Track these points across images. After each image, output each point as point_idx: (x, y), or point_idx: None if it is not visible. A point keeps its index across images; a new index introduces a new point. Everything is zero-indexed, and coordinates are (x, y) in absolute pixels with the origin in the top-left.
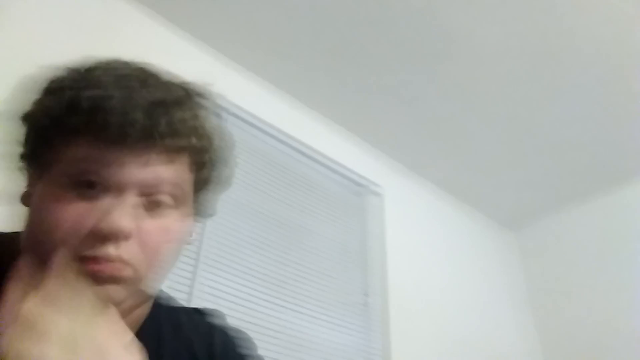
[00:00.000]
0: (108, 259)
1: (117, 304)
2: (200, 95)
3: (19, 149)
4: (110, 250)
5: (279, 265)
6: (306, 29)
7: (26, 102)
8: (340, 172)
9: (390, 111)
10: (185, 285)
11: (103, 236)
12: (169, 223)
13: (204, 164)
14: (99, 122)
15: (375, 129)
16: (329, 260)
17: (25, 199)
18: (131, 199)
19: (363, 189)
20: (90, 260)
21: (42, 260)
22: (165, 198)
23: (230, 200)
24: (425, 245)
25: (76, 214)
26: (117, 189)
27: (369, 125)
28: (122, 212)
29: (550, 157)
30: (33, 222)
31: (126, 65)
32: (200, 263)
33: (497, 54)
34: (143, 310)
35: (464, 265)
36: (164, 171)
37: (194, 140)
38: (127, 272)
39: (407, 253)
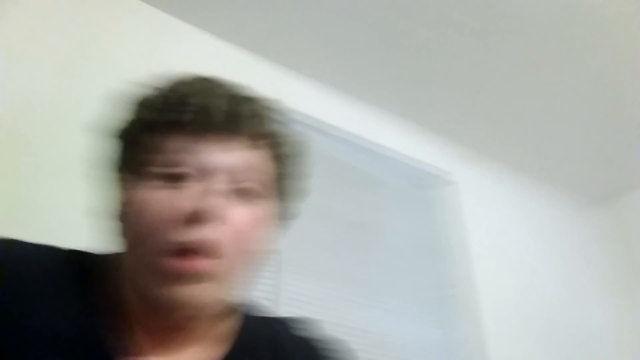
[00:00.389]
0: (203, 245)
1: (204, 305)
2: (271, 100)
3: (112, 162)
4: (207, 232)
5: (356, 265)
6: (355, 24)
7: (117, 118)
8: (408, 165)
9: (453, 97)
10: (270, 293)
11: (196, 217)
12: (259, 212)
13: (282, 156)
14: (186, 114)
15: (440, 117)
16: (406, 255)
17: (119, 210)
18: (221, 185)
19: (434, 180)
20: (182, 256)
21: (139, 255)
22: (252, 185)
23: (304, 204)
24: (508, 230)
25: (170, 202)
26: (206, 176)
27: (432, 114)
28: (215, 194)
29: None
30: (129, 221)
31: (206, 76)
32: (283, 270)
33: (557, 25)
34: (234, 321)
35: (551, 246)
36: (249, 157)
37: (273, 128)
38: (218, 267)
39: (489, 240)
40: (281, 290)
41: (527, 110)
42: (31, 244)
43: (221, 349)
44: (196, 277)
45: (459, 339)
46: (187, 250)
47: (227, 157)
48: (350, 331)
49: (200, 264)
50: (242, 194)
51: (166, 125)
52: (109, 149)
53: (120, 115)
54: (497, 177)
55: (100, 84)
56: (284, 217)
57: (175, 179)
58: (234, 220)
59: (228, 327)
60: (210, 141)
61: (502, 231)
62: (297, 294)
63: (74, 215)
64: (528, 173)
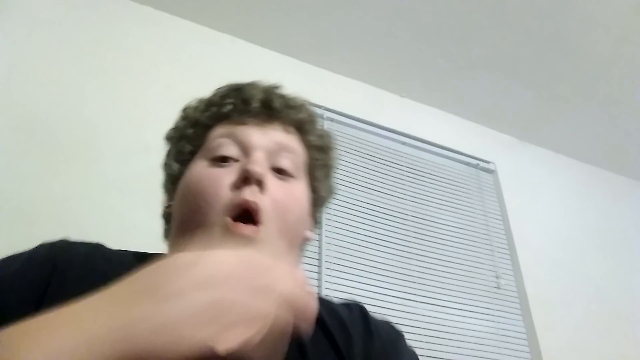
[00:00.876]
0: (249, 206)
1: None
2: (301, 98)
3: (166, 162)
4: (248, 195)
5: (403, 258)
6: (387, 18)
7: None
8: (448, 155)
9: (487, 83)
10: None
11: (241, 180)
12: (293, 189)
13: (312, 145)
14: (229, 107)
15: (477, 105)
16: (452, 246)
17: (166, 215)
18: (260, 154)
19: (475, 169)
20: (234, 220)
21: (197, 223)
22: (286, 163)
23: (345, 200)
24: (553, 215)
25: (217, 178)
26: (246, 153)
27: (470, 102)
28: (255, 161)
29: None
30: (181, 200)
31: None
32: (324, 268)
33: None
34: None
35: (597, 229)
36: (283, 138)
37: (303, 117)
38: (262, 235)
39: (533, 226)
40: (322, 289)
41: (567, 92)
42: (114, 249)
43: None
44: (242, 239)
45: (509, 329)
46: (235, 213)
47: (264, 137)
48: (397, 326)
49: (246, 227)
50: (279, 171)
51: (210, 118)
52: (165, 156)
53: (174, 122)
54: (539, 161)
55: (156, 102)
56: (316, 204)
57: (221, 160)
58: (272, 192)
59: None
60: (248, 125)
61: (547, 217)
62: (340, 292)
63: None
64: (570, 156)
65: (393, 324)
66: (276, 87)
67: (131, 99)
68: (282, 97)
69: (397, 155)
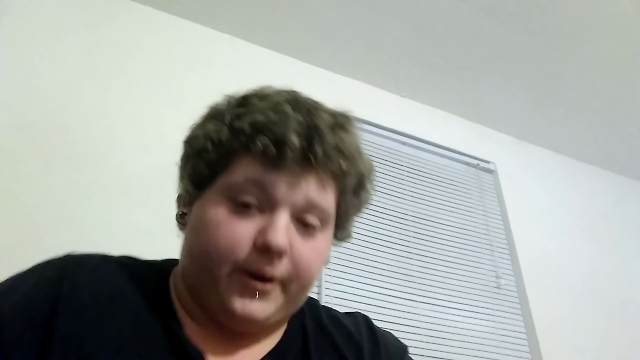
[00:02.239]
0: (264, 276)
1: (262, 319)
2: (345, 119)
3: (180, 170)
4: (266, 268)
5: (403, 258)
6: (389, 18)
7: (190, 128)
8: (448, 155)
9: (487, 83)
10: (313, 293)
11: (260, 250)
12: (318, 245)
13: (348, 190)
14: (259, 145)
15: (477, 105)
16: (453, 246)
17: (182, 218)
18: (284, 218)
19: (475, 169)
20: (245, 275)
21: (205, 269)
22: (313, 220)
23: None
24: (552, 215)
25: (235, 232)
26: (270, 207)
27: (470, 102)
28: (278, 230)
29: None
30: (195, 235)
31: (276, 91)
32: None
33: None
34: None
35: (597, 227)
36: (316, 195)
37: (344, 166)
38: (275, 291)
39: (533, 226)
40: (323, 288)
41: (567, 92)
42: (121, 259)
43: (276, 333)
44: (260, 293)
45: (509, 329)
46: (251, 274)
47: (295, 193)
48: (398, 327)
49: (262, 285)
50: (304, 226)
51: (235, 149)
52: (181, 160)
53: (193, 126)
54: (539, 161)
55: (158, 103)
56: (340, 238)
57: (240, 205)
58: (294, 252)
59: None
60: (280, 175)
61: (547, 217)
62: (341, 292)
63: (128, 231)
64: (570, 156)
65: (396, 337)
66: (317, 122)
67: (131, 99)
68: (324, 137)
69: (397, 155)
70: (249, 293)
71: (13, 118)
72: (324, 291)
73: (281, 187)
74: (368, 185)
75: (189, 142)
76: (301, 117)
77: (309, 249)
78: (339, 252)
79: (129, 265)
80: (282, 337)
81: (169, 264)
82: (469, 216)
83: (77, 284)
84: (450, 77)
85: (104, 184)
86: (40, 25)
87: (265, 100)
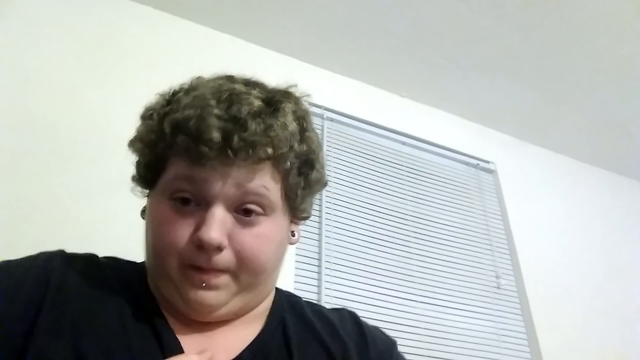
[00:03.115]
0: (202, 270)
1: (215, 307)
2: (279, 98)
3: (134, 171)
4: (203, 262)
5: (403, 258)
6: (386, 16)
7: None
8: (448, 155)
9: (488, 83)
10: (313, 293)
11: (197, 247)
12: (262, 230)
13: (288, 170)
14: (181, 144)
15: (477, 105)
16: (453, 246)
17: (143, 213)
18: (219, 212)
19: (475, 169)
20: (191, 268)
21: (158, 264)
22: (252, 207)
23: (345, 200)
24: (552, 215)
25: (175, 228)
26: (205, 203)
27: (470, 102)
28: (210, 226)
29: None
30: (147, 233)
31: (207, 82)
32: (324, 268)
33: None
34: (267, 303)
35: (597, 227)
36: (246, 182)
37: (270, 151)
38: (222, 280)
39: (533, 226)
40: (322, 288)
41: (567, 92)
42: (109, 260)
43: (254, 328)
44: (206, 285)
45: (509, 329)
46: (195, 267)
47: (225, 185)
48: (398, 327)
49: (207, 277)
50: (243, 216)
51: (164, 148)
52: (134, 161)
53: (137, 127)
54: (539, 162)
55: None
56: (299, 217)
57: (179, 202)
58: (234, 242)
59: (263, 307)
60: (206, 171)
61: (547, 217)
62: (341, 292)
63: (121, 229)
64: (570, 156)
65: (385, 331)
66: (239, 112)
67: (131, 99)
68: (245, 127)
69: (397, 155)
70: (198, 284)
71: (13, 118)
72: (324, 291)
73: (209, 181)
74: (317, 164)
75: (130, 145)
76: (222, 110)
77: (251, 237)
78: (339, 252)
79: (112, 266)
80: (260, 331)
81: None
82: (469, 216)
83: (67, 275)
84: (450, 77)
85: (104, 184)
86: (40, 25)
87: (189, 94)
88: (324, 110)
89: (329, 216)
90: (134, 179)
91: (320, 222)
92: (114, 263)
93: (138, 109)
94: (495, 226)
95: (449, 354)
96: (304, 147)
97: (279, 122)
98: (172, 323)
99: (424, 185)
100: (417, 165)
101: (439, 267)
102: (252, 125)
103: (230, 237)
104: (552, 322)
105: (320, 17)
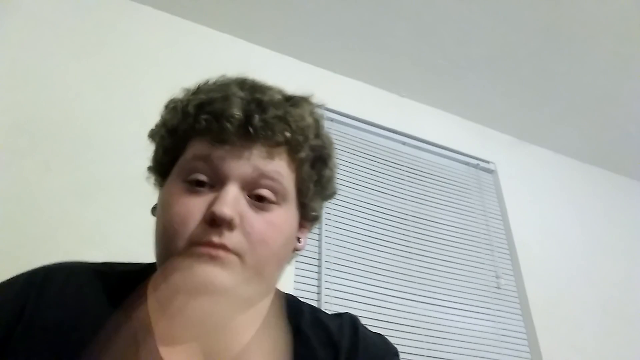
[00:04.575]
0: (213, 244)
1: (222, 288)
2: (297, 98)
3: (150, 160)
4: (214, 237)
5: (403, 258)
6: (390, 18)
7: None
8: (448, 155)
9: (488, 83)
10: (313, 293)
11: (209, 222)
12: (273, 217)
13: (303, 161)
14: (203, 124)
15: (477, 105)
16: (453, 246)
17: (154, 210)
18: (233, 190)
19: (475, 169)
20: (200, 245)
21: (165, 247)
22: (266, 193)
23: (345, 200)
24: (552, 215)
25: (187, 208)
26: (220, 183)
27: (470, 102)
28: (223, 201)
29: None
30: (158, 220)
31: (230, 77)
32: (324, 268)
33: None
34: (266, 303)
35: (597, 227)
36: (263, 165)
37: (289, 135)
38: (231, 258)
39: (533, 226)
40: (322, 289)
41: (567, 92)
42: (98, 268)
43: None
44: (214, 259)
45: (509, 329)
46: (206, 244)
47: (242, 165)
48: (398, 327)
49: (216, 251)
50: (256, 201)
51: (186, 131)
52: (151, 154)
53: (161, 115)
54: (540, 162)
55: (144, 102)
56: (309, 219)
57: (194, 184)
58: (245, 224)
59: (262, 307)
60: (225, 150)
61: (547, 217)
62: (341, 292)
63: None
64: (570, 156)
65: (387, 340)
66: (261, 97)
67: (131, 99)
68: (266, 110)
69: (397, 155)
70: (205, 257)
71: (13, 118)
72: (324, 291)
73: (227, 160)
74: (330, 163)
75: (151, 135)
76: (245, 94)
77: (262, 222)
78: (339, 252)
79: (101, 277)
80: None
81: (149, 270)
82: (469, 216)
83: (41, 306)
84: (450, 77)
85: (104, 184)
86: (40, 25)
87: (214, 84)
88: (324, 110)
89: (329, 216)
90: (150, 168)
91: (320, 222)
92: (106, 270)
93: (138, 109)
94: (495, 226)
95: (449, 354)
96: (319, 142)
97: (296, 112)
98: (165, 349)
99: (424, 185)
100: (417, 165)
101: (439, 267)
102: (272, 109)
103: (242, 219)
104: (552, 322)
105: (320, 17)
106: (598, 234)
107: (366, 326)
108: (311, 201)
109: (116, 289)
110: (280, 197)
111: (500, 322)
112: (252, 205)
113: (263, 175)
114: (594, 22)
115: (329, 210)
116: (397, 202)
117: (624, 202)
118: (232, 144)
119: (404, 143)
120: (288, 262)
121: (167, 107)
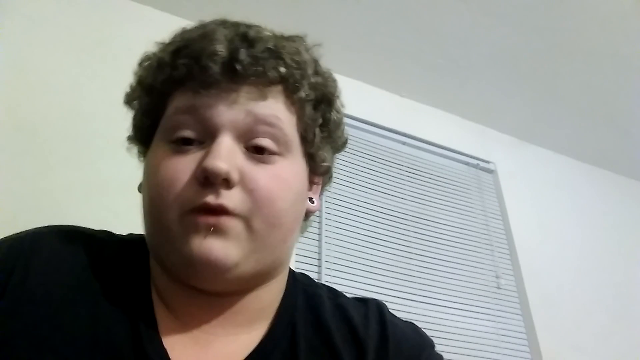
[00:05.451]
0: (210, 207)
1: (225, 263)
2: (290, 35)
3: (130, 132)
4: (209, 198)
5: (403, 258)
6: (390, 18)
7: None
8: (448, 155)
9: (487, 83)
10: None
11: (201, 181)
12: (278, 170)
13: (303, 101)
14: (182, 70)
15: (477, 105)
16: (453, 246)
17: (140, 187)
18: (226, 141)
19: (475, 169)
20: (195, 213)
21: (156, 220)
22: (266, 142)
23: (345, 200)
24: (552, 215)
25: (175, 170)
26: (211, 136)
27: (470, 102)
28: (216, 154)
29: None
30: (144, 192)
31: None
32: (324, 268)
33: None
34: (280, 284)
35: (597, 227)
36: (256, 107)
37: (283, 71)
38: (234, 224)
39: (533, 226)
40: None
41: (567, 92)
42: (95, 234)
43: (258, 331)
44: (214, 230)
45: (509, 329)
46: (201, 209)
47: (233, 111)
48: None
49: (215, 218)
50: (256, 153)
51: (164, 84)
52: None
53: (135, 75)
54: (540, 162)
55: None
56: (319, 171)
57: (180, 143)
58: (245, 180)
59: (277, 288)
60: (211, 95)
61: (547, 217)
62: (342, 287)
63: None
64: (570, 156)
65: (420, 330)
66: (247, 31)
67: None
68: (253, 44)
69: (397, 155)
70: (204, 228)
71: (13, 118)
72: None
73: (214, 107)
74: (336, 105)
75: (128, 100)
76: (228, 30)
77: (266, 176)
78: (339, 252)
79: (99, 244)
80: (263, 337)
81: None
82: (469, 216)
83: (29, 278)
84: (450, 77)
85: (103, 184)
86: (40, 25)
87: (192, 28)
88: None
89: (329, 216)
90: (130, 137)
91: (320, 222)
92: (105, 237)
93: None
94: (495, 226)
95: (449, 354)
96: (320, 80)
97: (290, 46)
98: (164, 325)
99: (424, 185)
100: (417, 165)
101: (439, 267)
102: (260, 43)
103: (242, 174)
104: (552, 322)
105: (319, 17)
106: (598, 234)
107: (395, 314)
108: (319, 150)
109: (114, 258)
110: (282, 147)
111: (500, 322)
112: (251, 159)
113: (258, 120)
114: (594, 22)
115: (329, 211)
116: (397, 202)
117: (624, 202)
118: (217, 87)
119: (404, 143)
120: (301, 230)
121: (141, 64)
